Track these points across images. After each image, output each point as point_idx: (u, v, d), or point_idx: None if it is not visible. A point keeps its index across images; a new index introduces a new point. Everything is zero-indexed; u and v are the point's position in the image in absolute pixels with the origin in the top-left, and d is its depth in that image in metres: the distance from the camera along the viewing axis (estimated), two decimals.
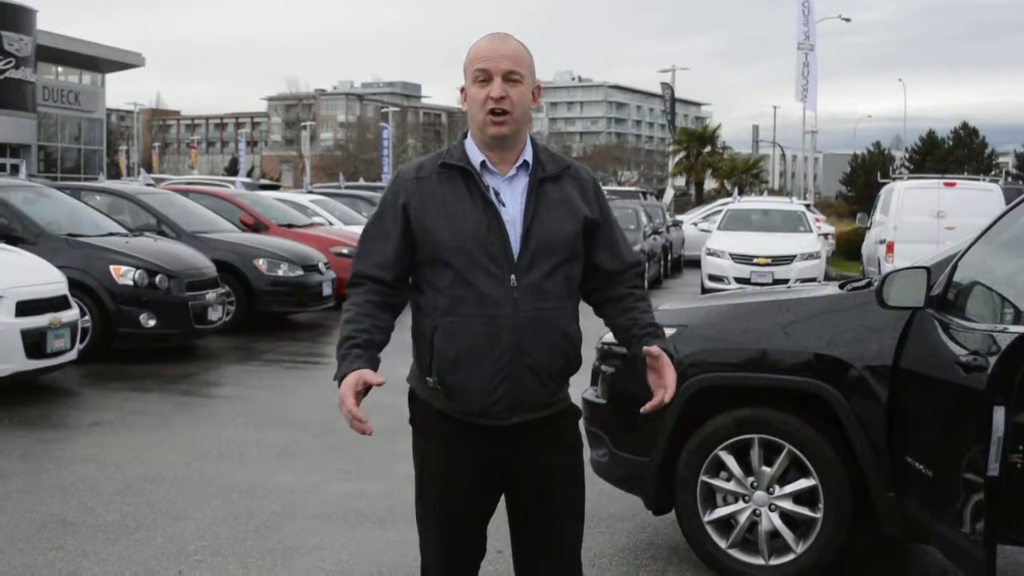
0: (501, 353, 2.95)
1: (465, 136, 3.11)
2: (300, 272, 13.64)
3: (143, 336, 10.91)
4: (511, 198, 3.02)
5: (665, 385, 3.03)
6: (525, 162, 3.06)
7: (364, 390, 2.91)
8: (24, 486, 6.35)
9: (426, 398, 3.10)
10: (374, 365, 2.96)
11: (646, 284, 20.65)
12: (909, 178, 20.56)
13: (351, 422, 2.89)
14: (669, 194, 44.38)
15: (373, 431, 2.91)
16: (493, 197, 3.00)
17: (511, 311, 2.95)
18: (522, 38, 3.10)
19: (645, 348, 3.04)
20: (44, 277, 9.27)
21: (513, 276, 2.96)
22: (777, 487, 4.94)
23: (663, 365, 3.03)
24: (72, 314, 9.28)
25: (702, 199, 53.96)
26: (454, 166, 3.04)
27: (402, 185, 3.06)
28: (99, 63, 58.32)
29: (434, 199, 3.01)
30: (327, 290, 14.03)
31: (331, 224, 18.06)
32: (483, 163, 3.04)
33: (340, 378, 2.93)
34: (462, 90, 3.08)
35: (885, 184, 19.99)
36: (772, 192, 55.17)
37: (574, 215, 3.06)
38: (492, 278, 2.95)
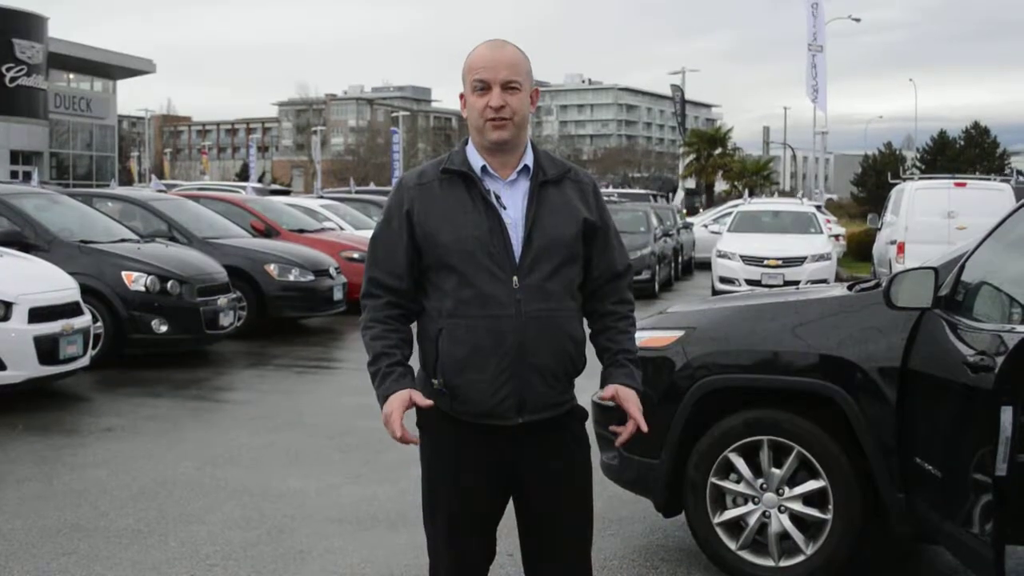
0: (505, 354, 2.98)
1: (466, 142, 3.14)
2: (311, 277, 13.68)
3: (155, 342, 10.96)
4: (512, 201, 3.05)
5: (631, 417, 3.15)
6: (526, 166, 3.09)
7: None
8: (37, 491, 6.39)
9: (433, 400, 3.12)
10: (414, 384, 3.06)
11: (656, 286, 20.55)
12: (920, 178, 20.50)
13: (397, 438, 3.02)
14: (679, 196, 44.31)
15: (405, 436, 3.03)
16: (494, 201, 3.03)
17: (514, 312, 2.98)
18: (532, 41, 3.14)
19: (604, 391, 3.20)
20: (56, 284, 9.31)
21: (515, 278, 2.99)
22: (787, 489, 4.94)
23: (621, 401, 3.16)
24: (84, 320, 9.32)
25: (713, 201, 53.91)
26: (455, 171, 3.07)
27: (405, 192, 3.09)
28: (110, 70, 58.56)
29: (436, 204, 3.04)
30: (338, 295, 14.06)
31: (342, 229, 18.10)
32: (484, 168, 3.07)
33: (385, 396, 3.04)
34: (461, 96, 3.11)
35: (896, 185, 19.94)
36: (783, 193, 55.08)
37: (574, 217, 3.08)
38: (495, 280, 2.98)
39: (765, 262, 18.50)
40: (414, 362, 3.15)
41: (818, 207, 26.84)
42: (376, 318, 3.13)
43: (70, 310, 9.16)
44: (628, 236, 17.94)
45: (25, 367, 8.61)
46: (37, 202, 11.85)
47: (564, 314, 3.06)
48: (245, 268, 13.22)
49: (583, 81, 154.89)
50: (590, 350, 3.19)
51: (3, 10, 48.82)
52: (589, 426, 3.34)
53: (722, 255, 19.18)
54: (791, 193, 59.52)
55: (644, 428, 3.16)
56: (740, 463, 5.00)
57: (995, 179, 20.63)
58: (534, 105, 3.14)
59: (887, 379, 4.67)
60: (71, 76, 57.50)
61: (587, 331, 3.21)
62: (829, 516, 4.84)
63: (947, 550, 4.50)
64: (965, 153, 62.58)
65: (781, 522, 4.94)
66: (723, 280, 18.75)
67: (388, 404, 3.01)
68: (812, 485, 4.89)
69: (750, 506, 5.00)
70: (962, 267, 4.44)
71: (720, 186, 61.18)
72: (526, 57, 3.09)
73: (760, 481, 4.98)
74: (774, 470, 4.96)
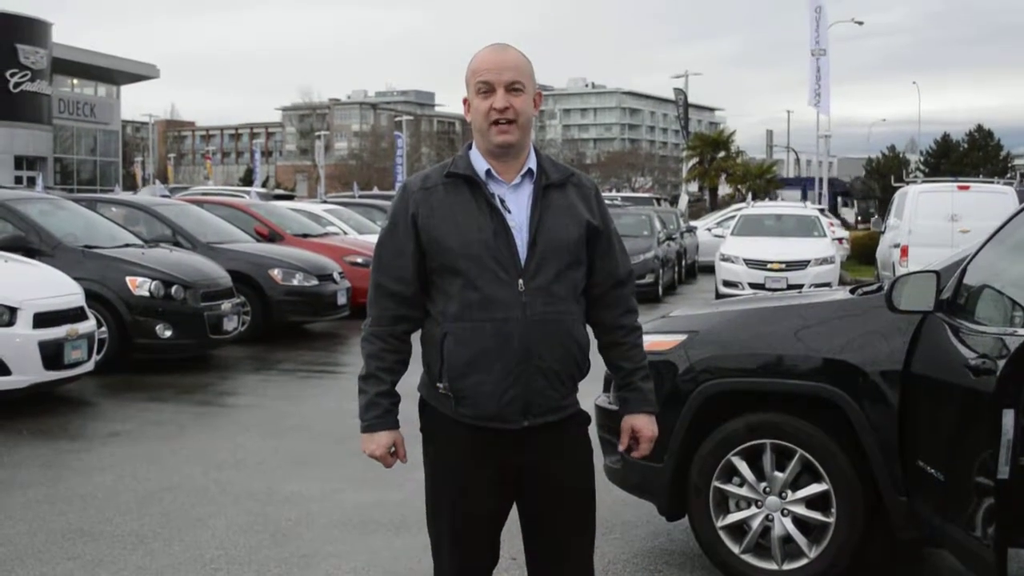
0: (511, 356, 3.00)
1: (470, 147, 3.16)
2: (315, 282, 13.70)
3: (159, 347, 10.98)
4: (517, 205, 3.07)
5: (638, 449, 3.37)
6: (529, 170, 3.12)
7: None
8: (42, 496, 6.41)
9: (437, 405, 3.13)
10: (397, 423, 3.19)
11: (660, 290, 20.50)
12: (923, 182, 20.52)
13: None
14: (684, 200, 44.26)
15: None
16: (499, 204, 3.05)
17: (520, 315, 2.99)
18: (535, 45, 3.18)
19: (621, 426, 3.35)
20: (61, 289, 9.34)
21: (520, 281, 3.01)
22: (789, 492, 4.94)
23: (638, 436, 3.33)
24: (89, 325, 9.34)
25: (716, 204, 53.85)
26: (460, 175, 3.08)
27: (410, 196, 3.11)
28: (114, 75, 58.72)
29: (442, 208, 3.06)
30: (342, 299, 14.08)
31: (345, 233, 18.13)
32: (488, 172, 3.09)
33: (369, 429, 3.15)
34: (465, 101, 3.13)
35: (899, 188, 19.95)
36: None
37: (578, 221, 3.11)
38: (500, 283, 3.00)
39: (769, 265, 18.49)
40: (409, 379, 3.19)
41: (821, 210, 26.83)
42: (378, 334, 3.15)
43: (74, 315, 9.18)
44: (631, 240, 17.93)
45: (30, 372, 8.64)
46: (42, 207, 11.89)
47: (569, 317, 3.08)
48: (249, 273, 13.24)
49: (586, 85, 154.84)
50: (594, 354, 3.20)
51: (7, 15, 48.98)
52: (592, 430, 3.35)
53: (726, 259, 19.17)
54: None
55: (639, 453, 3.40)
56: (743, 467, 5.01)
57: (999, 182, 20.65)
58: (537, 108, 3.17)
59: (889, 382, 4.68)
60: (75, 81, 57.65)
61: (592, 338, 3.22)
62: (832, 519, 4.85)
63: (949, 553, 4.51)
64: (969, 156, 62.58)
65: (784, 525, 4.94)
66: (726, 283, 18.74)
67: (373, 443, 3.15)
68: (815, 488, 4.89)
69: (753, 510, 5.01)
70: (964, 270, 4.45)
71: (724, 190, 61.06)
72: (529, 61, 3.12)
73: (763, 485, 4.99)
74: (777, 474, 4.96)
